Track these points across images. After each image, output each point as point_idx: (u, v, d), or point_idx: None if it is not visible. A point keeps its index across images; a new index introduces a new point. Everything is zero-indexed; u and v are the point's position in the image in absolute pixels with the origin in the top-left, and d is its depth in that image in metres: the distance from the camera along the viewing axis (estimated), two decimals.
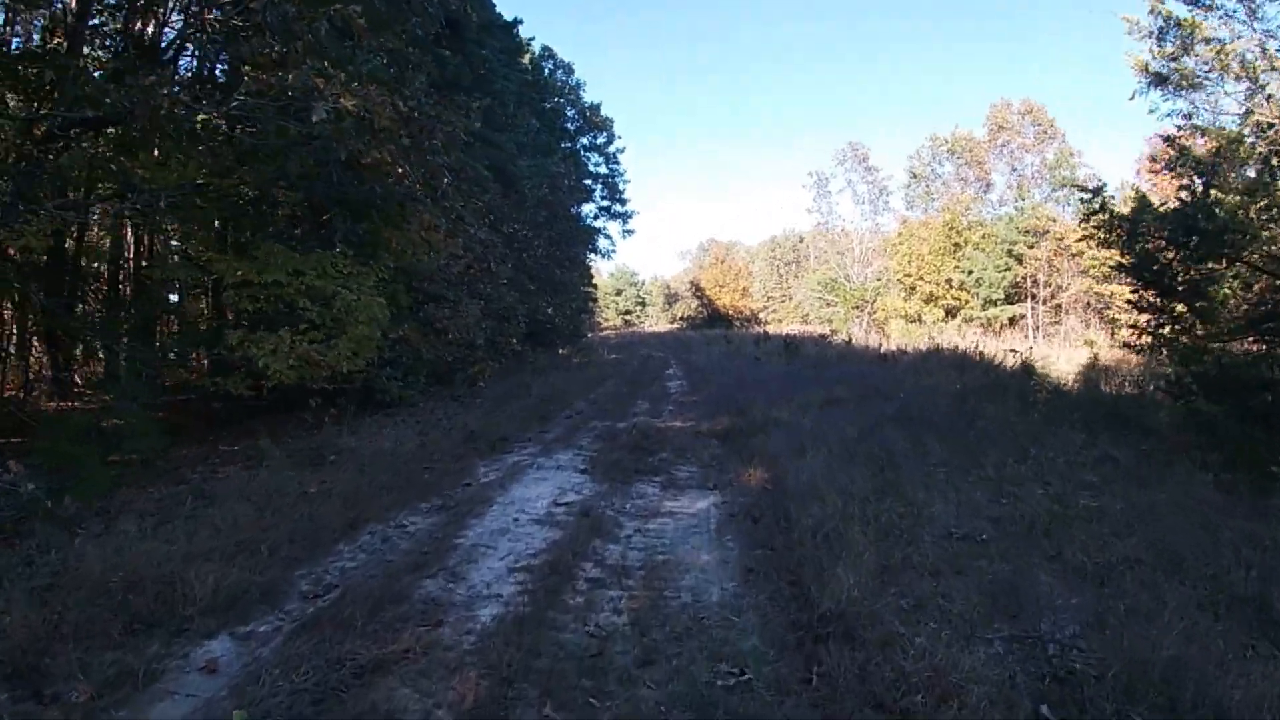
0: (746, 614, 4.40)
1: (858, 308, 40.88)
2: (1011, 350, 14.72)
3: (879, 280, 42.06)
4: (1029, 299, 34.05)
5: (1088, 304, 32.09)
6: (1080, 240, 31.19)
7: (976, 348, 20.93)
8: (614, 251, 43.95)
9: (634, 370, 22.14)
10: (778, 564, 5.15)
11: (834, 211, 44.75)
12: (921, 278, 36.03)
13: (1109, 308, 30.30)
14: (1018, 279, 33.96)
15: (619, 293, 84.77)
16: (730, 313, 69.41)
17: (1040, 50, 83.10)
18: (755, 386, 15.22)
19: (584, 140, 38.99)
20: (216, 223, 10.89)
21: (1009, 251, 34.05)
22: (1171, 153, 10.75)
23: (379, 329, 10.13)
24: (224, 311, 11.33)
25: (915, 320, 36.20)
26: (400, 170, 9.56)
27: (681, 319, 74.85)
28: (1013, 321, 33.85)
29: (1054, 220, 33.59)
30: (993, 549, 5.44)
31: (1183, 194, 9.32)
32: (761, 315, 69.24)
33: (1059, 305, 33.37)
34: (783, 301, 69.30)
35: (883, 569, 4.86)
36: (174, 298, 13.06)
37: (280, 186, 9.32)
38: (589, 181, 39.01)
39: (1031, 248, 33.23)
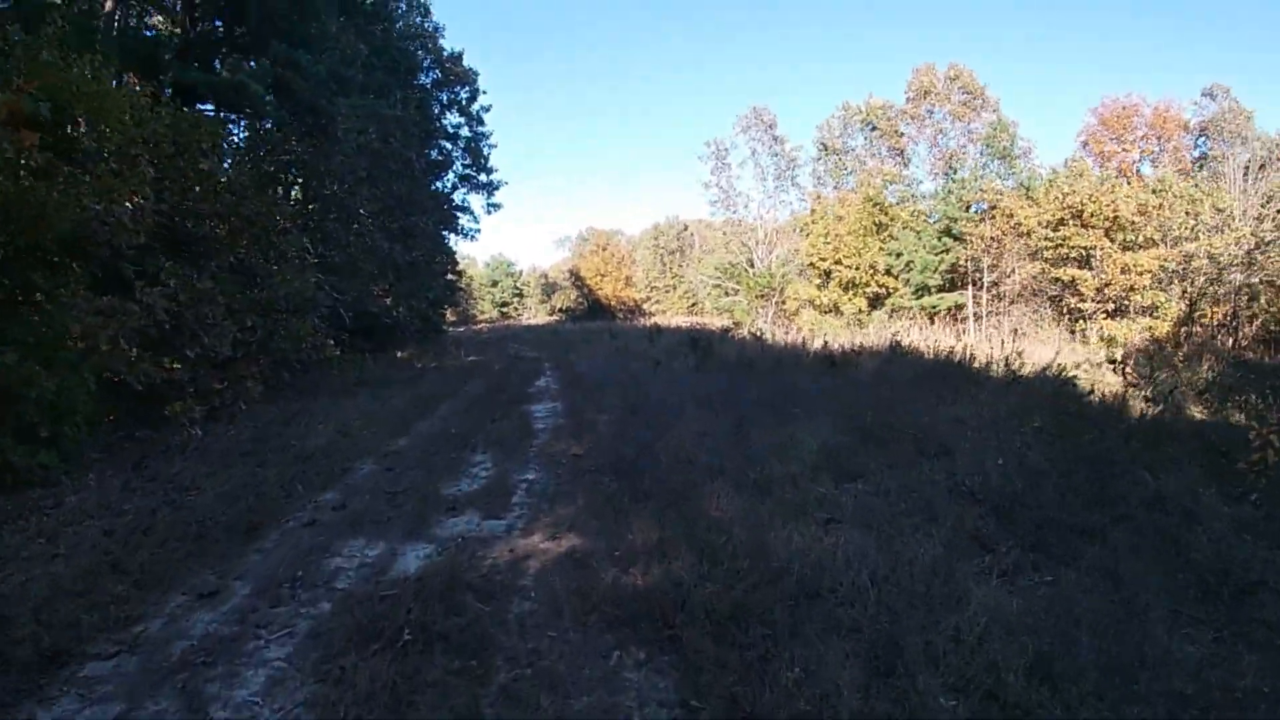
0: None
1: (762, 296, 35.07)
2: (1112, 360, 9.09)
3: (785, 266, 36.59)
4: (971, 285, 29.00)
5: (1034, 291, 27.14)
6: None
7: (962, 349, 15.38)
8: (478, 231, 37.01)
9: (490, 384, 15.68)
10: None
11: (734, 187, 38.60)
12: (839, 262, 30.50)
13: (1062, 296, 25.56)
14: (956, 262, 28.89)
15: (495, 284, 78.99)
16: (613, 303, 63.37)
17: (965, 13, 77.58)
18: (675, 419, 9.16)
19: (442, 97, 31.98)
20: None
21: (947, 230, 28.98)
22: None
23: None
24: None
25: (830, 311, 30.89)
26: None
27: (560, 310, 68.65)
28: (952, 311, 28.80)
29: (1000, 194, 28.49)
30: None
31: None
32: (645, 306, 64.01)
33: (999, 294, 28.44)
34: (666, 292, 65.13)
35: None
36: None
37: None
38: (447, 144, 32.03)
39: (978, 224, 28.11)
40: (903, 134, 36.02)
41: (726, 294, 38.20)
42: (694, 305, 59.18)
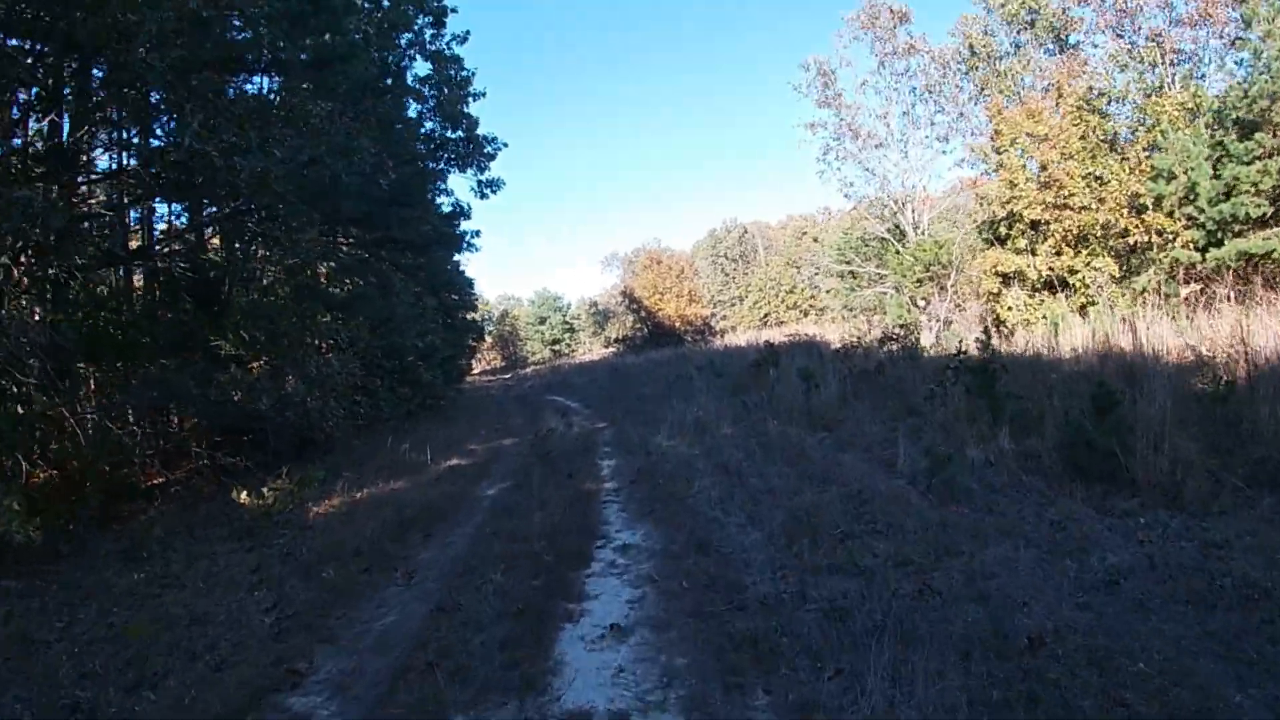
0: None
1: (923, 281, 22.79)
2: None
3: (953, 230, 24.06)
4: None
5: None
6: None
7: None
8: (476, 235, 25.22)
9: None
10: None
11: (855, 121, 24.62)
12: (1061, 205, 18.36)
13: None
14: None
15: (543, 321, 68.82)
16: (678, 324, 51.20)
17: None
18: None
19: (401, 41, 20.19)
20: None
21: (1256, 124, 16.48)
22: None
23: None
24: None
25: (1050, 286, 18.54)
26: None
27: (617, 340, 57.05)
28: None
29: None
30: None
31: None
32: (712, 324, 53.97)
33: None
34: (733, 306, 57.66)
35: None
36: None
37: None
38: (412, 100, 20.29)
39: None
40: (1078, 18, 23.60)
41: (859, 285, 25.80)
42: (766, 317, 52.51)
